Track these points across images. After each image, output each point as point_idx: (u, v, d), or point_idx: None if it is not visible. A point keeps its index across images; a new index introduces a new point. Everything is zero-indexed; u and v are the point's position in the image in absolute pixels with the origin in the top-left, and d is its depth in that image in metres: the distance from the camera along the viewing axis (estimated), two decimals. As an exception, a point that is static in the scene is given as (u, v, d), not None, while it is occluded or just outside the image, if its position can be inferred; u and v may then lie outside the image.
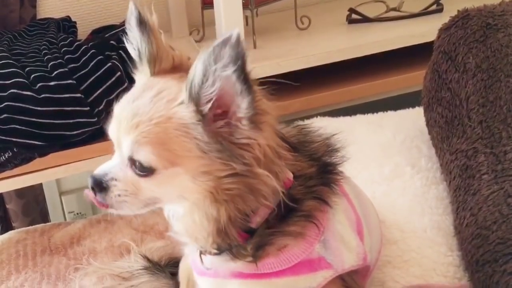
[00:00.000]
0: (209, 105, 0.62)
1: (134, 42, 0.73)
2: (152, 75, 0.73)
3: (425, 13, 1.51)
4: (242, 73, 0.59)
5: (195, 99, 0.63)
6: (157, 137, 0.65)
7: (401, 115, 1.26)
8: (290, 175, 0.71)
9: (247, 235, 0.70)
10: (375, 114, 1.27)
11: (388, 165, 1.06)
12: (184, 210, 0.71)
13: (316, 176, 0.73)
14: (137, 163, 0.67)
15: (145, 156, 0.66)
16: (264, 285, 0.73)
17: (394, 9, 1.50)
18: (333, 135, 0.77)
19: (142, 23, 0.71)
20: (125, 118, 0.68)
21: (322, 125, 0.78)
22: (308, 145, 0.75)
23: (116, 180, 0.70)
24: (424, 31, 1.40)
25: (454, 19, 1.02)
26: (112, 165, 0.71)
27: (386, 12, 1.51)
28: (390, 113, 1.27)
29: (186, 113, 0.64)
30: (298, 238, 0.72)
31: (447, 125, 0.99)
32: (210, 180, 0.65)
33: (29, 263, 1.17)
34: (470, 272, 0.87)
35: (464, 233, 0.90)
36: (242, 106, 0.61)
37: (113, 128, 0.71)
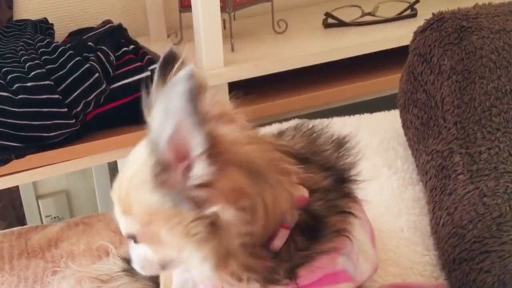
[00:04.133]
0: (168, 150, 0.57)
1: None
2: None
3: (399, 17, 1.53)
4: (194, 108, 0.54)
5: (155, 148, 0.57)
6: (124, 203, 0.65)
7: (378, 117, 1.27)
8: (305, 192, 0.67)
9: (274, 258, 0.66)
10: (351, 116, 1.28)
11: (366, 166, 1.07)
12: (189, 265, 0.67)
13: (334, 187, 0.70)
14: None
15: (124, 223, 0.66)
16: None
17: (369, 14, 1.52)
18: (344, 137, 0.75)
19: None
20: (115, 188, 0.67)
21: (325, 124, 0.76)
22: (319, 155, 0.72)
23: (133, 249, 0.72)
24: (399, 35, 1.43)
25: (429, 21, 1.04)
26: None
27: (361, 16, 1.53)
28: (367, 115, 1.29)
29: (147, 167, 0.59)
30: (333, 253, 0.70)
31: (423, 126, 1.01)
32: (182, 227, 0.60)
33: (5, 266, 1.15)
34: (447, 270, 0.88)
35: (440, 233, 0.91)
36: (196, 142, 0.55)
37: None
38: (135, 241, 0.68)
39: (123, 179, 0.65)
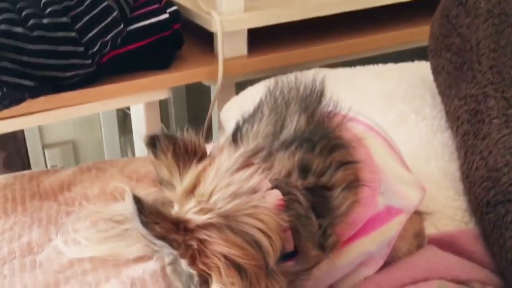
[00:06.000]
0: None
1: None
2: None
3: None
4: (150, 231, 0.59)
5: None
6: None
7: (402, 67, 1.25)
8: (276, 195, 0.66)
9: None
10: (375, 65, 1.25)
11: (393, 113, 1.05)
12: None
13: (313, 156, 0.69)
14: None
15: None
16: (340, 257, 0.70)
17: None
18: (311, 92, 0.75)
19: None
20: None
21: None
22: (288, 130, 0.72)
23: None
24: None
25: (466, -36, 1.01)
26: None
27: None
28: (390, 65, 1.26)
29: None
30: (356, 207, 0.69)
31: (455, 71, 0.98)
32: None
33: (18, 207, 1.12)
34: (479, 214, 0.87)
35: (473, 177, 0.89)
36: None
37: None
38: None
39: None
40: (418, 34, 1.37)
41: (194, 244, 0.62)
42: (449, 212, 0.90)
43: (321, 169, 0.68)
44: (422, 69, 1.15)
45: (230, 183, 0.65)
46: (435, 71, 1.05)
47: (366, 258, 0.74)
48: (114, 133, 1.70)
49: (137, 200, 0.59)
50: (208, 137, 1.35)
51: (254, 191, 0.64)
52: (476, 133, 0.92)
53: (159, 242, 0.60)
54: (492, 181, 0.85)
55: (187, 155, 0.70)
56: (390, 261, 0.77)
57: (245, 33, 1.32)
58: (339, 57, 1.41)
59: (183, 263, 0.63)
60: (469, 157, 0.91)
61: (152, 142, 0.70)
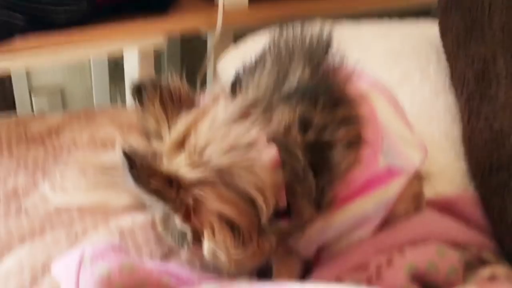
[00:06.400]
0: None
1: None
2: None
3: None
4: (142, 187, 0.58)
5: None
6: None
7: (407, 25, 1.21)
8: (272, 151, 0.63)
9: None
10: (380, 21, 1.21)
11: (397, 70, 1.02)
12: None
13: (314, 109, 0.66)
14: None
15: None
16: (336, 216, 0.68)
17: None
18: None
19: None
20: None
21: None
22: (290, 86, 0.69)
23: None
24: None
25: None
26: None
27: None
28: (396, 22, 1.22)
29: None
30: (356, 165, 0.67)
31: (465, 30, 0.95)
32: None
33: (4, 152, 1.09)
34: (480, 178, 0.84)
35: (476, 140, 0.87)
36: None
37: None
38: None
39: None
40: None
41: (189, 201, 0.60)
42: (449, 175, 0.88)
43: (322, 124, 0.65)
44: (428, 28, 1.12)
45: (225, 136, 0.62)
46: (444, 30, 1.01)
47: (362, 219, 0.72)
48: (104, 82, 1.65)
49: (128, 156, 0.56)
50: (202, 89, 1.31)
51: (250, 145, 0.62)
52: (482, 94, 0.89)
53: (152, 198, 0.58)
54: (496, 144, 0.83)
55: (176, 103, 0.67)
56: (387, 222, 0.75)
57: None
58: (343, 10, 1.37)
59: (177, 220, 0.61)
60: (473, 119, 0.89)
61: (138, 90, 0.67)
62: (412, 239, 0.74)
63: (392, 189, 0.71)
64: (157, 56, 1.56)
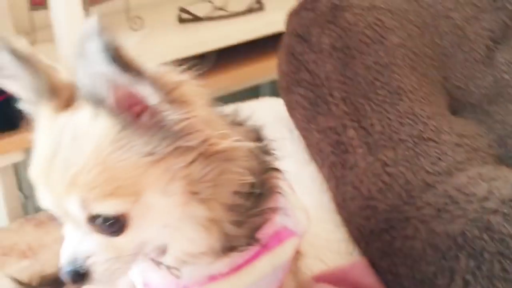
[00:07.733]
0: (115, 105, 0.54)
1: (19, 83, 0.60)
2: (57, 113, 0.59)
3: (248, 11, 1.56)
4: (120, 63, 0.52)
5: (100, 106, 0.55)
6: (103, 177, 0.54)
7: (252, 106, 1.25)
8: None
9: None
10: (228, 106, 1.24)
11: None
12: (174, 237, 0.61)
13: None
14: (101, 221, 0.56)
15: (107, 207, 0.55)
16: (243, 276, 0.66)
17: (221, 9, 1.55)
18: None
19: (21, 57, 0.58)
20: (56, 180, 0.55)
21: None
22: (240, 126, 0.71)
23: (92, 256, 0.58)
24: (251, 27, 1.49)
25: (303, 3, 1.04)
26: (75, 243, 0.58)
27: (214, 11, 1.54)
28: (240, 105, 1.25)
29: (105, 129, 0.55)
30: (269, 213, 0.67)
31: (311, 105, 1.01)
32: (179, 179, 0.56)
33: None
34: (364, 244, 0.89)
35: (349, 208, 0.92)
36: (146, 94, 0.54)
37: (46, 198, 0.58)
38: (109, 226, 0.56)
39: (80, 165, 0.54)
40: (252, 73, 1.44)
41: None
42: (334, 245, 0.92)
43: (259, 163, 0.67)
44: (270, 104, 1.17)
45: None
46: (290, 107, 1.06)
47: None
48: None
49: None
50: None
51: None
52: (343, 163, 0.95)
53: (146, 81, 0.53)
54: (370, 209, 0.88)
55: None
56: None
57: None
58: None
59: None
60: (341, 188, 0.94)
61: None
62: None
63: (288, 249, 0.71)
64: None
